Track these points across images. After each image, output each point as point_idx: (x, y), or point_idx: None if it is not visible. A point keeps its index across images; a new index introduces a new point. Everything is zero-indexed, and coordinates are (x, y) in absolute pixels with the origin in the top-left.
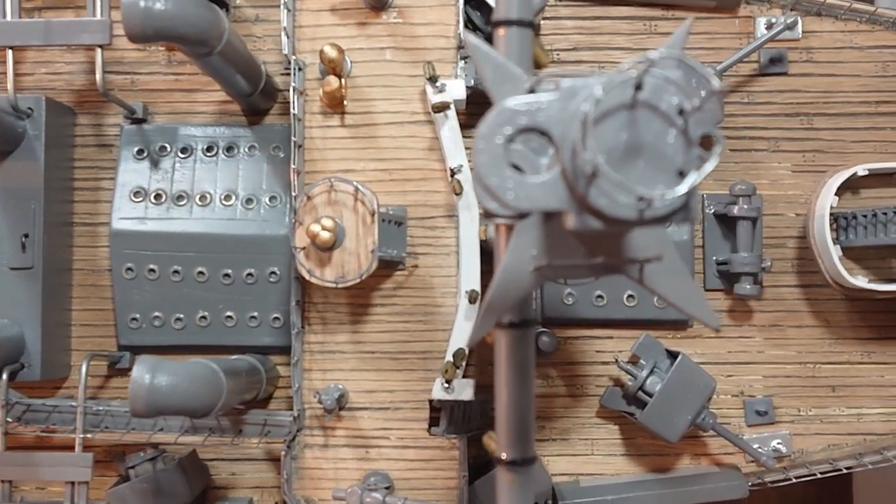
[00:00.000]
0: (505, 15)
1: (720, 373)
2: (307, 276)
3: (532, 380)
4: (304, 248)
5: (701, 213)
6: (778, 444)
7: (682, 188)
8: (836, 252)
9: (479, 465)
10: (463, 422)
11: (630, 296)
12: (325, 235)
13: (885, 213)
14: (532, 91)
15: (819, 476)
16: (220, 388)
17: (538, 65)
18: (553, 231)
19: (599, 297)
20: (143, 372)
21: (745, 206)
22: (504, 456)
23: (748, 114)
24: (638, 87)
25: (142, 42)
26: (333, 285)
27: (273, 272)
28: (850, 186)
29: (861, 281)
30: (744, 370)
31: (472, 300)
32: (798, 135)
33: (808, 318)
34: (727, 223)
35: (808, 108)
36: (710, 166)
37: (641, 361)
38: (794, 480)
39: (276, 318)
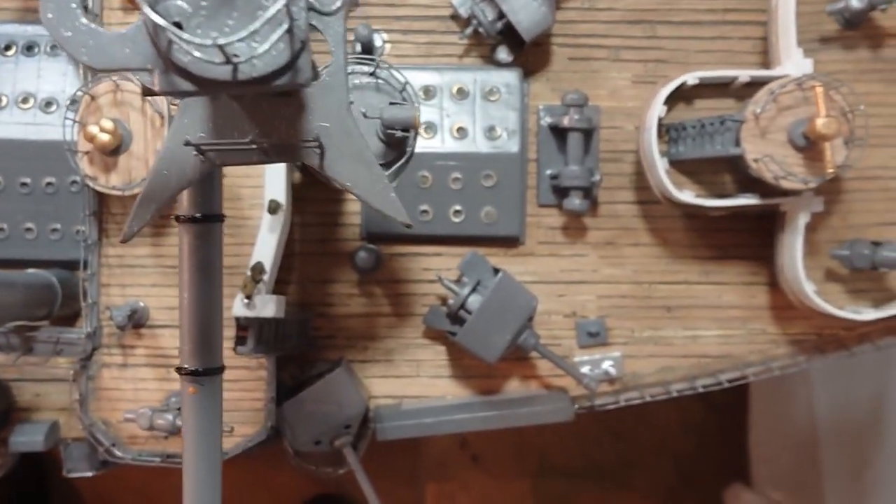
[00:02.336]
0: None
1: (552, 292)
2: (90, 184)
3: (219, 281)
4: (87, 153)
5: (536, 125)
6: (609, 366)
7: (255, 27)
8: (662, 165)
9: (292, 387)
10: (275, 341)
11: (456, 211)
12: (105, 138)
13: (711, 124)
14: None
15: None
16: None
17: None
18: (222, 111)
19: (424, 211)
20: None
21: (576, 117)
22: (186, 366)
23: (588, 20)
24: None
25: None
26: (119, 192)
27: (74, 181)
28: (685, 97)
29: (688, 196)
30: (577, 290)
31: (271, 210)
32: (640, 43)
33: (645, 235)
34: (561, 135)
35: (652, 15)
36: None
37: (465, 279)
38: (623, 403)
39: (81, 231)
